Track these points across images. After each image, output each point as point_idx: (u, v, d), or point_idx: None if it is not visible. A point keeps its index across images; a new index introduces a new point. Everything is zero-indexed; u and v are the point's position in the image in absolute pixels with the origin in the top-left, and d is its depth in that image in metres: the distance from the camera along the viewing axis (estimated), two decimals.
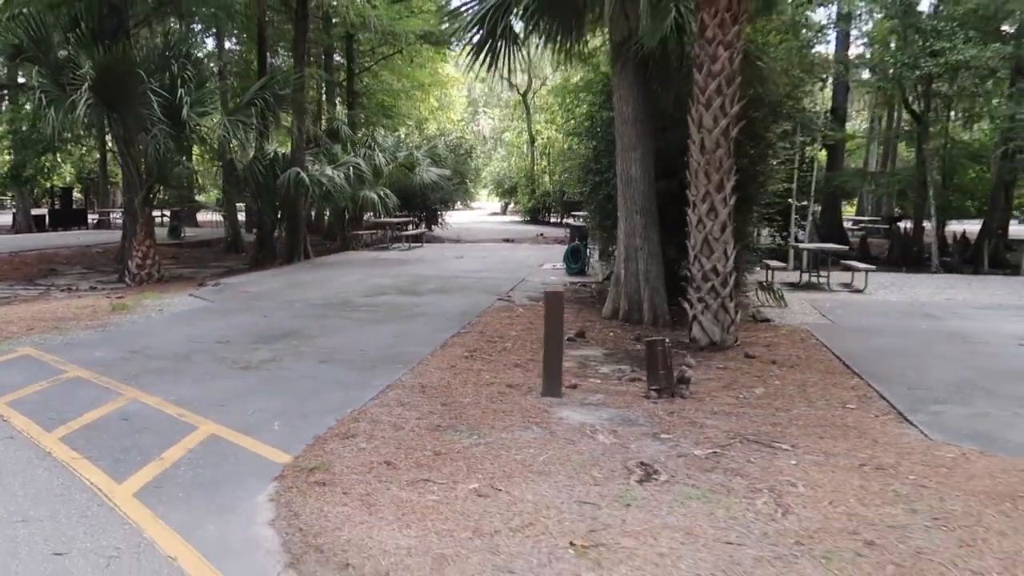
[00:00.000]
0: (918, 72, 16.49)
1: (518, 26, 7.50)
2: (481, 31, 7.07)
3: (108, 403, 5.46)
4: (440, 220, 26.91)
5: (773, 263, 13.36)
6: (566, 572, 3.10)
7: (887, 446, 4.71)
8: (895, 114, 29.28)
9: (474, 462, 4.35)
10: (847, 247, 14.96)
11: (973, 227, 21.40)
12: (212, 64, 24.60)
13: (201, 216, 34.09)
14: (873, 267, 13.58)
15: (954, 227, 22.46)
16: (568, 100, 18.38)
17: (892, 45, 19.23)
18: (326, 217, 24.63)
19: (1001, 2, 15.92)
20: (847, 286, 12.99)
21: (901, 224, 23.03)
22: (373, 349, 7.46)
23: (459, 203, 51.42)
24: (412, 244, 20.44)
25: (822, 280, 13.24)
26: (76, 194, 43.91)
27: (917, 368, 6.80)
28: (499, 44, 7.46)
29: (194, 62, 12.74)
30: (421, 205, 24.04)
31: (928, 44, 16.33)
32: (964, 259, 20.02)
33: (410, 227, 21.68)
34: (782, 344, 7.90)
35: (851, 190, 24.50)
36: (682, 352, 7.49)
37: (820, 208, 24.35)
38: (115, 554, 3.26)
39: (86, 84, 10.94)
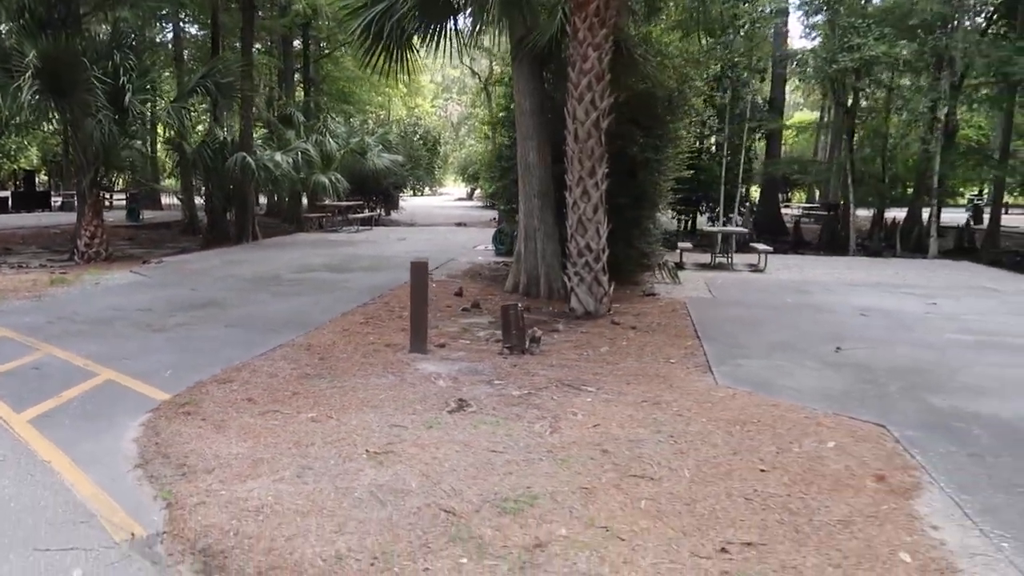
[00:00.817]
0: (835, 67, 17.51)
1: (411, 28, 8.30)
2: (368, 35, 7.87)
3: (25, 356, 6.28)
4: (396, 204, 27.66)
5: (683, 244, 14.39)
6: (352, 468, 4.01)
7: (678, 389, 5.66)
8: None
9: (322, 399, 5.24)
10: (747, 231, 15.97)
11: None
12: (171, 48, 25.14)
13: (166, 200, 34.49)
14: (771, 249, 14.58)
15: (897, 214, 23.59)
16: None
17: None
18: (288, 201, 25.32)
19: (912, 1, 16.94)
20: (753, 267, 14.00)
21: (835, 211, 24.17)
22: (281, 316, 8.31)
23: (427, 188, 52.04)
24: (361, 227, 21.20)
25: (730, 260, 14.24)
26: (43, 176, 44.15)
27: (754, 333, 7.78)
28: (391, 44, 8.27)
29: (137, 52, 13.37)
30: (375, 190, 24.76)
31: (845, 40, 17.35)
32: (890, 244, 21.18)
33: (361, 211, 22.41)
34: (652, 314, 8.85)
35: (794, 178, 25.55)
36: (559, 319, 8.43)
37: (759, 194, 25.47)
38: (1, 459, 4.11)
39: (29, 71, 11.58)
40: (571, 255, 8.63)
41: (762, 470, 4.07)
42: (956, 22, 16.17)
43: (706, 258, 14.81)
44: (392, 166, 23.54)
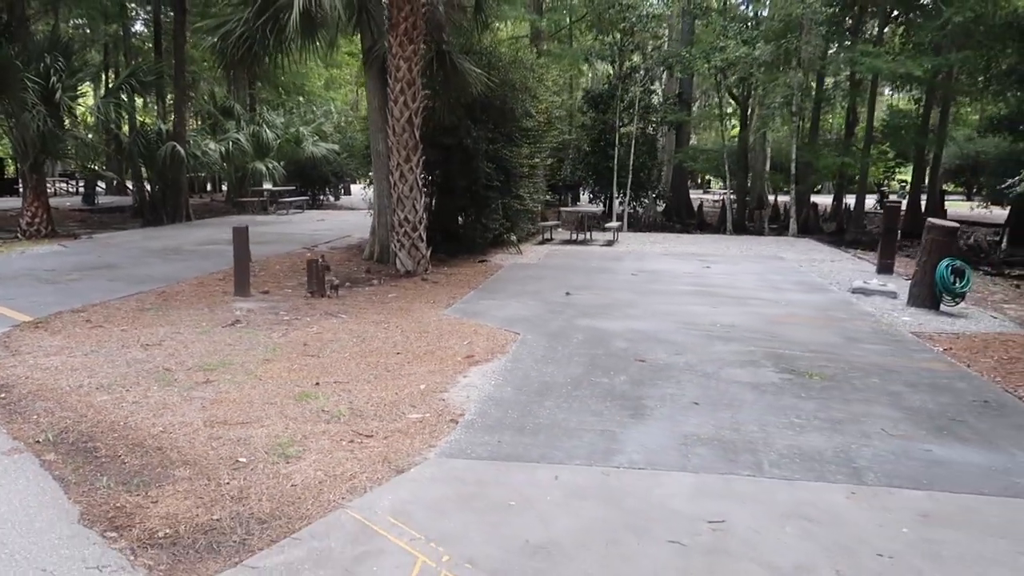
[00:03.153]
0: (707, 65, 19.67)
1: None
2: (215, 51, 9.96)
3: None
4: (339, 191, 29.70)
5: (548, 223, 16.54)
6: (125, 351, 6.14)
7: (409, 316, 7.79)
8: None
9: (141, 320, 7.36)
10: (600, 212, 18.08)
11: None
12: (122, 44, 27.02)
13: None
14: (619, 224, 16.77)
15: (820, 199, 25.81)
16: None
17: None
18: (232, 186, 27.28)
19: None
20: (609, 242, 16.15)
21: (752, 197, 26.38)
22: (158, 275, 10.40)
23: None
24: (293, 210, 23.22)
25: (589, 236, 16.40)
26: (20, 166, 45.74)
27: (523, 285, 9.92)
28: (235, 59, 10.24)
29: (67, 54, 15.32)
30: (315, 176, 26.75)
31: (716, 42, 19.53)
32: (783, 225, 23.40)
33: (294, 195, 24.41)
34: (465, 274, 10.97)
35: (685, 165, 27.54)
36: (383, 277, 10.55)
37: (670, 180, 27.64)
38: None
39: None
40: (394, 226, 10.76)
41: (397, 353, 6.23)
42: (805, 27, 18.24)
43: (607, 235, 16.81)
44: (328, 154, 25.49)
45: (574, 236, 16.48)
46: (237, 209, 24.41)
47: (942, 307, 8.80)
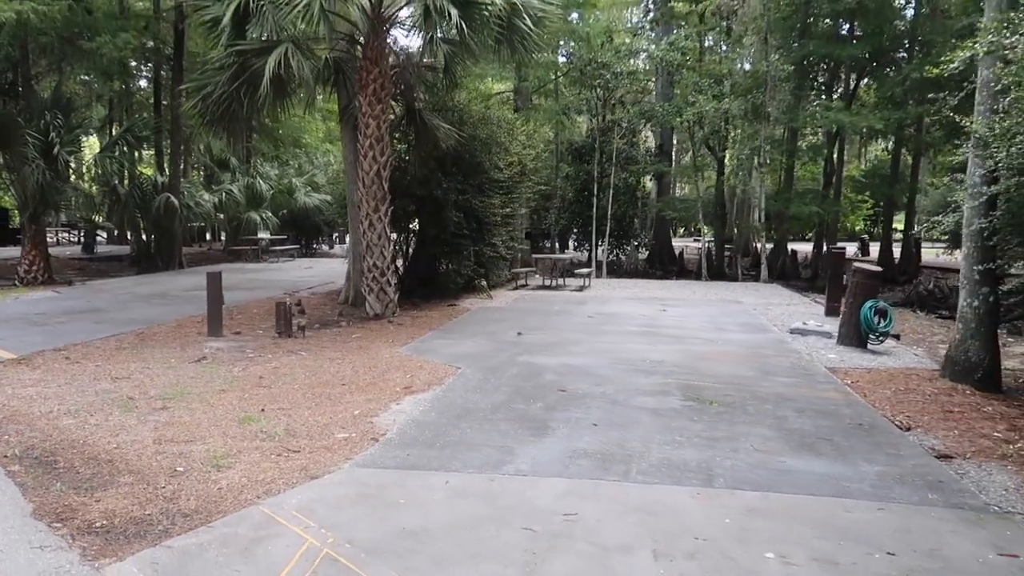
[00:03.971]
0: (680, 118, 20.65)
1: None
2: (196, 110, 10.90)
3: None
4: (334, 239, 30.61)
5: (525, 269, 17.25)
6: (95, 383, 6.78)
7: (366, 354, 8.43)
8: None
9: (116, 358, 8.01)
10: (570, 258, 18.76)
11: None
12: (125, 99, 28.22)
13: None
14: (589, 270, 17.47)
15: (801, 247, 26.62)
16: None
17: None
18: (228, 234, 28.17)
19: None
20: (580, 287, 16.83)
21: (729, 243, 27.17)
22: (141, 318, 11.08)
23: None
24: (284, 258, 24.02)
25: (564, 282, 17.10)
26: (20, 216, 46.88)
27: (483, 326, 10.57)
28: (215, 117, 11.10)
29: (66, 112, 16.29)
30: (309, 226, 27.66)
31: (689, 98, 20.53)
32: (756, 271, 24.08)
33: (284, 244, 25.25)
34: (432, 318, 11.62)
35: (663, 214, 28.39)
36: (352, 319, 11.22)
37: (652, 229, 28.50)
38: None
39: None
40: (363, 271, 11.48)
41: (343, 384, 6.86)
42: (769, 84, 19.24)
43: (580, 281, 17.48)
44: (321, 205, 26.41)
45: (547, 282, 17.17)
46: (232, 257, 25.25)
47: (869, 345, 9.42)
